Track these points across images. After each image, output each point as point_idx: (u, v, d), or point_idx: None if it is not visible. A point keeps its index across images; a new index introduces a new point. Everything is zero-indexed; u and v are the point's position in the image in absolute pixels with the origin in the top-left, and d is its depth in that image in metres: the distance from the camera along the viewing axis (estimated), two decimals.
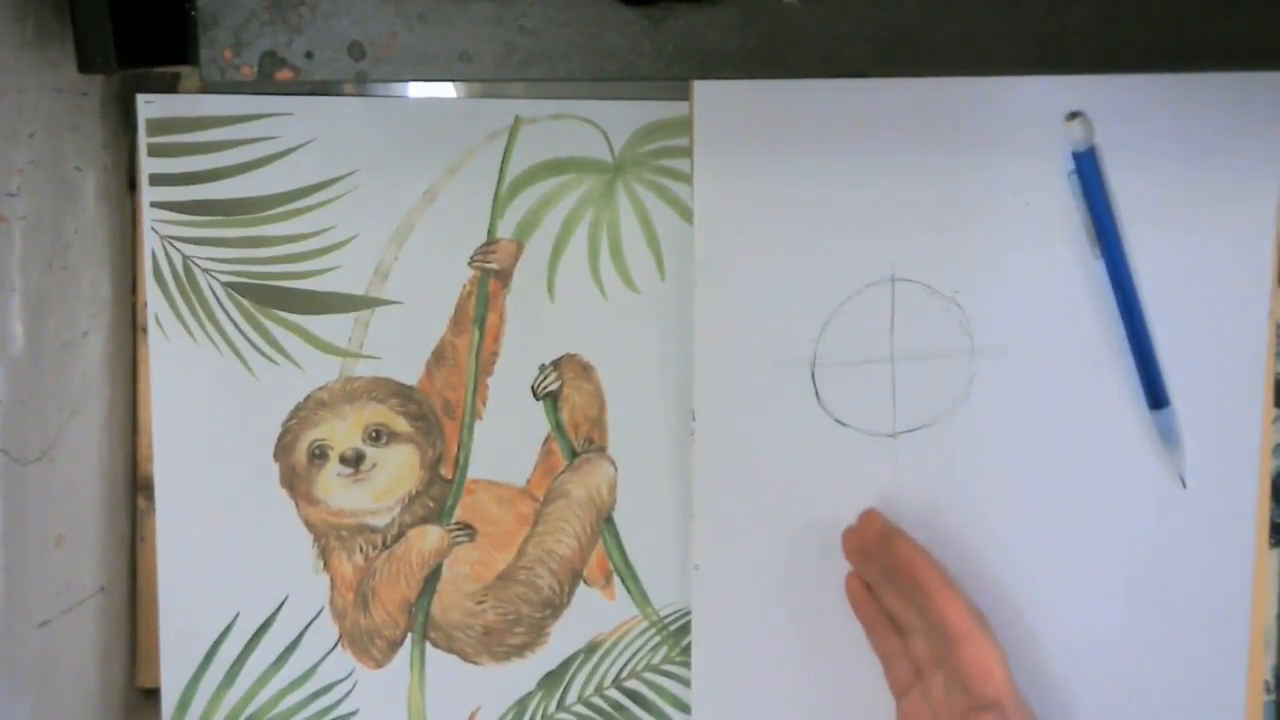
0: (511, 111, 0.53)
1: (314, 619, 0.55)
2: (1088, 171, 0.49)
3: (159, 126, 0.53)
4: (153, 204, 0.53)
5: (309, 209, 0.53)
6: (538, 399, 0.54)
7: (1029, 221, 0.51)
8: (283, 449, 0.54)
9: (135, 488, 0.56)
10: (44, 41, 0.48)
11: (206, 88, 0.53)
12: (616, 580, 0.55)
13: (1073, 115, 0.50)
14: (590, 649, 0.55)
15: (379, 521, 0.55)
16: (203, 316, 0.54)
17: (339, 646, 0.55)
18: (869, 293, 0.51)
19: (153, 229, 0.53)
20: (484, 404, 0.54)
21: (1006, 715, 0.44)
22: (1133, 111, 0.50)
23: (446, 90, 0.54)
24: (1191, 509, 0.52)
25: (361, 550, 0.55)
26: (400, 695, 0.55)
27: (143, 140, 0.53)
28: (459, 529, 0.55)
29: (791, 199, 0.51)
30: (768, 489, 0.52)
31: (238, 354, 0.54)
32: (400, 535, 0.55)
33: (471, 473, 0.55)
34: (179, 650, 0.55)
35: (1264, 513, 0.52)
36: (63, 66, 0.49)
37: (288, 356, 0.54)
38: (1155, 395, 0.51)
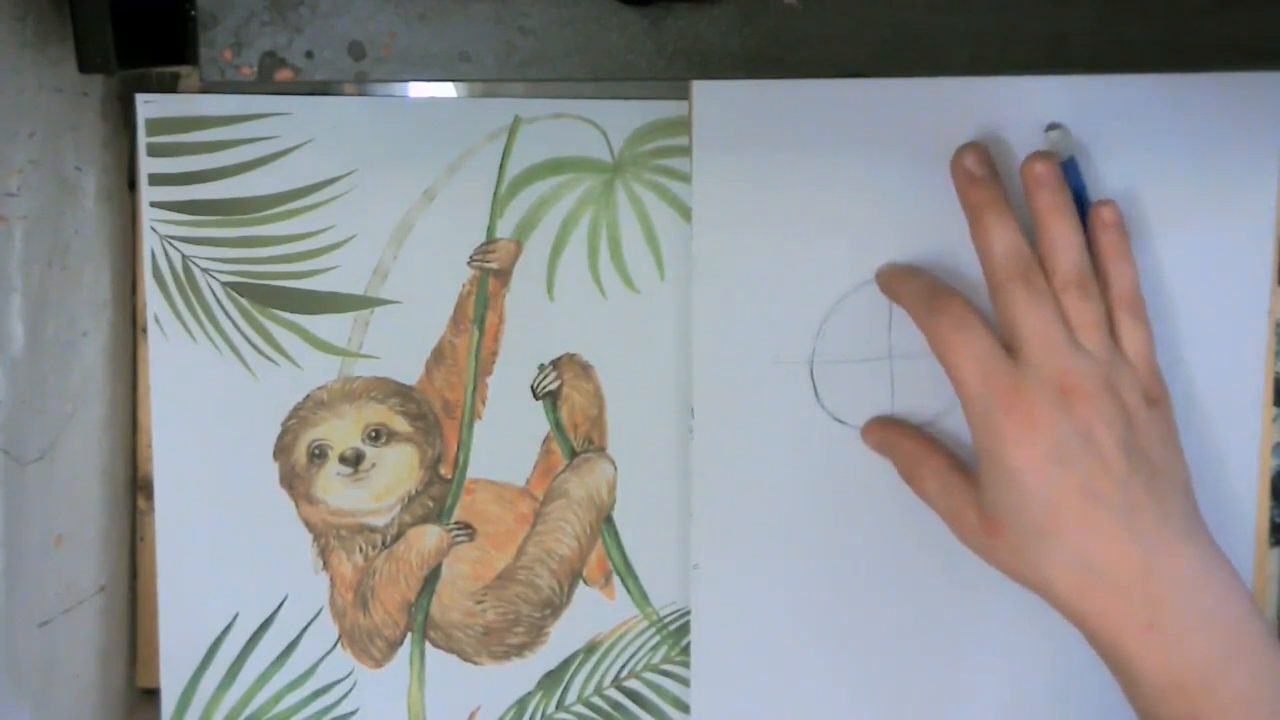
0: (511, 111, 0.53)
1: (313, 619, 0.55)
2: (1069, 182, 0.49)
3: (158, 126, 0.53)
4: (152, 204, 0.53)
5: (308, 209, 0.53)
6: (537, 398, 0.54)
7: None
8: (282, 449, 0.54)
9: (135, 488, 0.56)
10: (44, 41, 0.48)
11: (206, 88, 0.53)
12: (616, 580, 0.55)
13: (1051, 127, 0.50)
14: (590, 649, 0.55)
15: (378, 521, 0.55)
16: (202, 316, 0.54)
17: (338, 646, 0.55)
18: (868, 291, 0.52)
19: (152, 229, 0.53)
20: (483, 404, 0.54)
21: None
22: (1133, 112, 0.50)
23: (446, 90, 0.54)
24: None
25: (361, 550, 0.55)
26: (400, 695, 0.55)
27: (142, 140, 0.53)
28: (458, 529, 0.55)
29: (790, 198, 0.51)
30: (767, 488, 0.52)
31: (237, 354, 0.54)
32: (400, 535, 0.55)
33: (471, 472, 0.55)
34: (179, 650, 0.55)
35: (1264, 512, 0.52)
36: (63, 66, 0.49)
37: (287, 356, 0.54)
38: None
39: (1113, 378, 0.45)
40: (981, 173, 0.48)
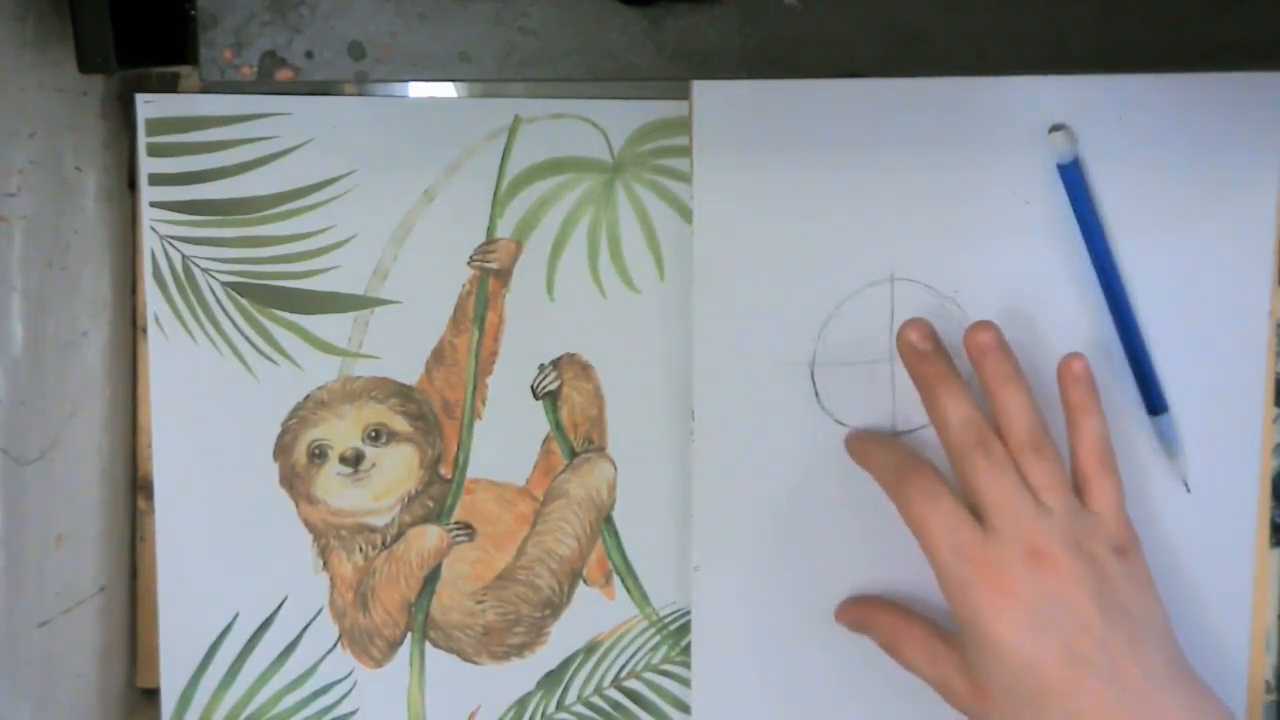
0: (511, 111, 0.53)
1: (313, 619, 0.55)
2: (1072, 183, 0.49)
3: (158, 126, 0.53)
4: (152, 204, 0.53)
5: (308, 209, 0.53)
6: (537, 398, 0.54)
7: (1029, 221, 0.51)
8: (282, 449, 0.54)
9: (135, 488, 0.56)
10: (44, 41, 0.48)
11: (206, 88, 0.53)
12: (616, 580, 0.55)
13: (1055, 128, 0.50)
14: (590, 649, 0.55)
15: (378, 521, 0.55)
16: (202, 316, 0.54)
17: (338, 646, 0.55)
18: (869, 292, 0.52)
19: (152, 229, 0.53)
20: (483, 404, 0.54)
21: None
22: (1133, 112, 0.50)
23: (447, 90, 0.54)
24: (1194, 511, 0.52)
25: (361, 550, 0.55)
26: (400, 695, 0.55)
27: (142, 140, 0.53)
28: (458, 529, 0.55)
29: (791, 199, 0.51)
30: (768, 489, 0.52)
31: (237, 354, 0.54)
32: (400, 535, 0.55)
33: (471, 472, 0.55)
34: (179, 650, 0.55)
35: (1265, 512, 0.52)
36: (63, 66, 0.49)
37: (287, 356, 0.54)
38: (1152, 402, 0.51)
39: (1079, 534, 0.45)
40: (926, 347, 0.48)
